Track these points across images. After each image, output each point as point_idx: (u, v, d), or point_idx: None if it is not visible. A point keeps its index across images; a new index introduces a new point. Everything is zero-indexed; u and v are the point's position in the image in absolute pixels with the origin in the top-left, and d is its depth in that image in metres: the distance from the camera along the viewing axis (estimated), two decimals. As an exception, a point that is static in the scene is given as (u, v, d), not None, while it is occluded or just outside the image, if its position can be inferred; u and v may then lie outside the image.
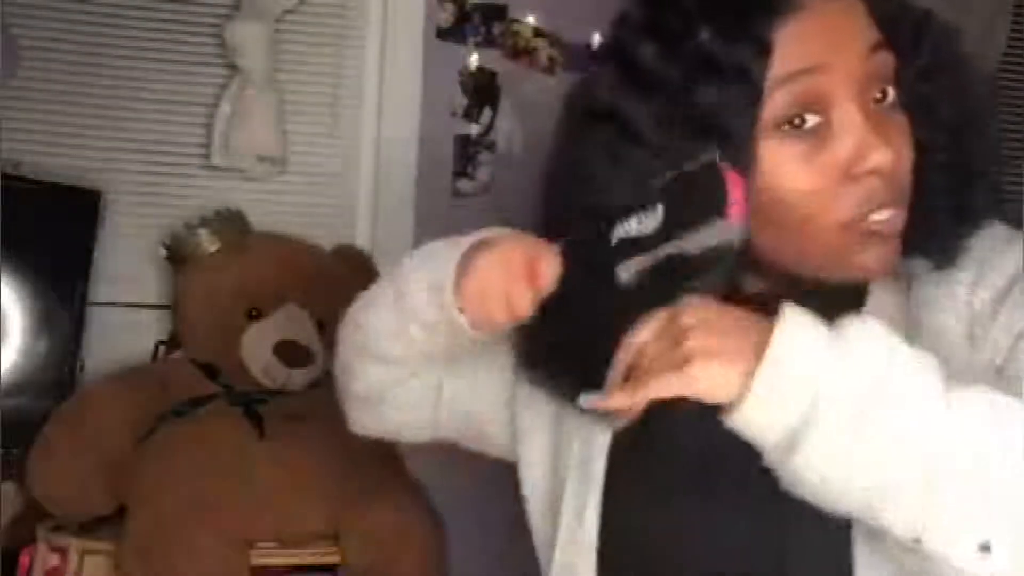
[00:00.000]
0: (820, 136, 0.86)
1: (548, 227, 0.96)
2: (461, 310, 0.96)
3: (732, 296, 0.90)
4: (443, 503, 2.18)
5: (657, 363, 0.80)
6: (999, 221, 0.92)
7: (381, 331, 1.06)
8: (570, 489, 1.02)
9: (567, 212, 0.93)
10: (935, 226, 0.90)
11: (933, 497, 0.74)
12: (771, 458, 0.79)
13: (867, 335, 0.78)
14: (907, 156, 0.89)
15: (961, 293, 0.89)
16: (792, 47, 0.85)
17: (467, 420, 1.14)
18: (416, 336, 1.03)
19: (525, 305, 0.92)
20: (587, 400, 0.84)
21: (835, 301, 0.87)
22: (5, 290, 2.21)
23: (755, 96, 0.85)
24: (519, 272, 0.92)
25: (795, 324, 0.78)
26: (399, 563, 2.01)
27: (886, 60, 0.88)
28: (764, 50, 0.84)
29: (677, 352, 0.79)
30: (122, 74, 2.47)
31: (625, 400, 0.81)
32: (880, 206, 0.86)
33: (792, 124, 0.86)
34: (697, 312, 0.81)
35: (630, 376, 0.82)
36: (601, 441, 1.00)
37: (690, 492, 0.96)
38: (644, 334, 0.82)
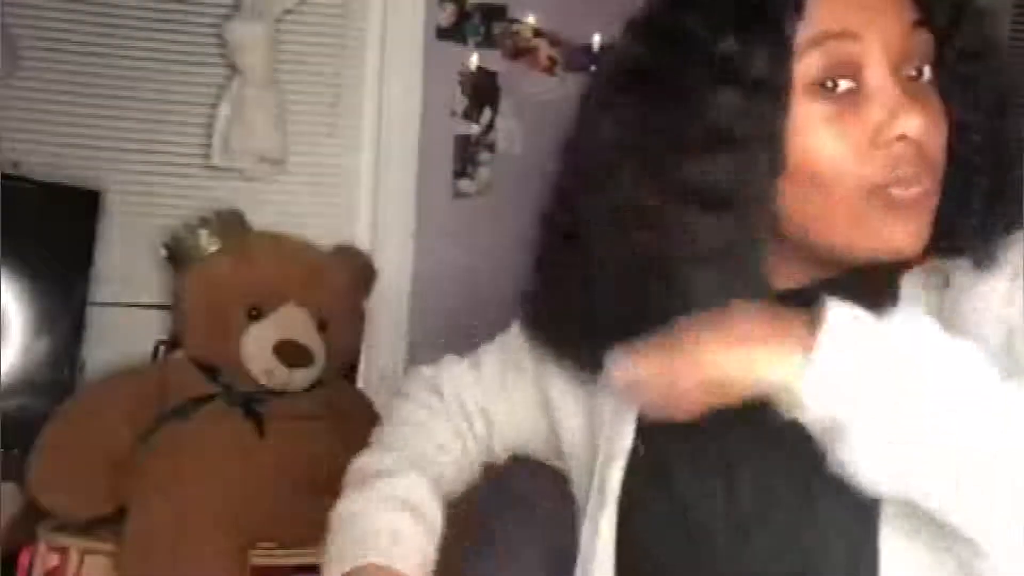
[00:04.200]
0: (852, 100, 0.86)
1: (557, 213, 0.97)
2: None
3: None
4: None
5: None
6: None
7: None
8: (592, 495, 1.01)
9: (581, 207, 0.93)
10: (972, 214, 0.88)
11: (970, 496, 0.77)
12: (822, 443, 0.80)
13: (915, 335, 0.79)
14: (940, 133, 0.88)
15: (995, 303, 0.87)
16: (824, 9, 0.86)
17: (519, 446, 1.17)
18: None
19: None
20: (617, 368, 0.85)
21: (866, 304, 0.86)
22: (5, 290, 2.21)
23: (786, 50, 0.85)
24: None
25: (839, 324, 0.79)
26: (399, 563, 2.01)
27: (924, 39, 0.88)
28: (795, 5, 0.85)
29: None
30: (122, 74, 2.47)
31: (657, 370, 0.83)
32: (908, 176, 0.85)
33: (824, 86, 0.86)
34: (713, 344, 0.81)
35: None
36: (621, 445, 0.99)
37: (709, 502, 0.94)
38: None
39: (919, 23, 0.88)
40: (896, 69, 0.86)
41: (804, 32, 0.85)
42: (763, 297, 0.89)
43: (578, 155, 0.95)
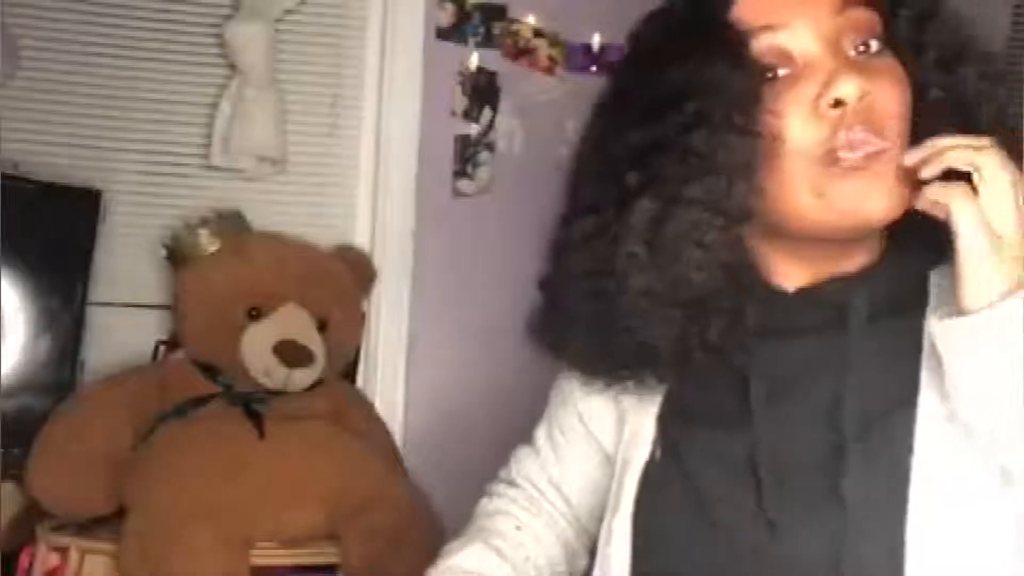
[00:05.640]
0: (791, 81, 0.90)
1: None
2: None
3: (777, 296, 0.94)
4: (443, 503, 2.18)
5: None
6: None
7: None
8: (610, 500, 1.02)
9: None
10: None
11: None
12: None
13: None
14: (892, 96, 0.90)
15: None
16: (748, 8, 0.91)
17: (598, 504, 1.15)
18: None
19: None
20: None
21: (892, 299, 0.89)
22: (5, 290, 2.21)
23: (729, 44, 0.90)
24: None
25: None
26: (398, 563, 2.01)
27: (860, 16, 0.91)
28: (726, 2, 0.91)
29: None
30: (122, 74, 2.47)
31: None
32: (854, 139, 0.87)
33: (767, 77, 0.90)
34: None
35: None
36: (639, 451, 1.00)
37: (737, 501, 0.93)
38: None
39: (851, 2, 0.91)
40: (833, 47, 0.90)
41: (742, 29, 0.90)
42: (760, 297, 0.92)
43: (571, 179, 1.00)
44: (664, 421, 1.00)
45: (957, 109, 0.93)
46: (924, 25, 0.95)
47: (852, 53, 0.90)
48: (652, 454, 0.99)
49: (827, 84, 0.88)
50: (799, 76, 0.89)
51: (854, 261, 0.94)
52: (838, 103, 0.87)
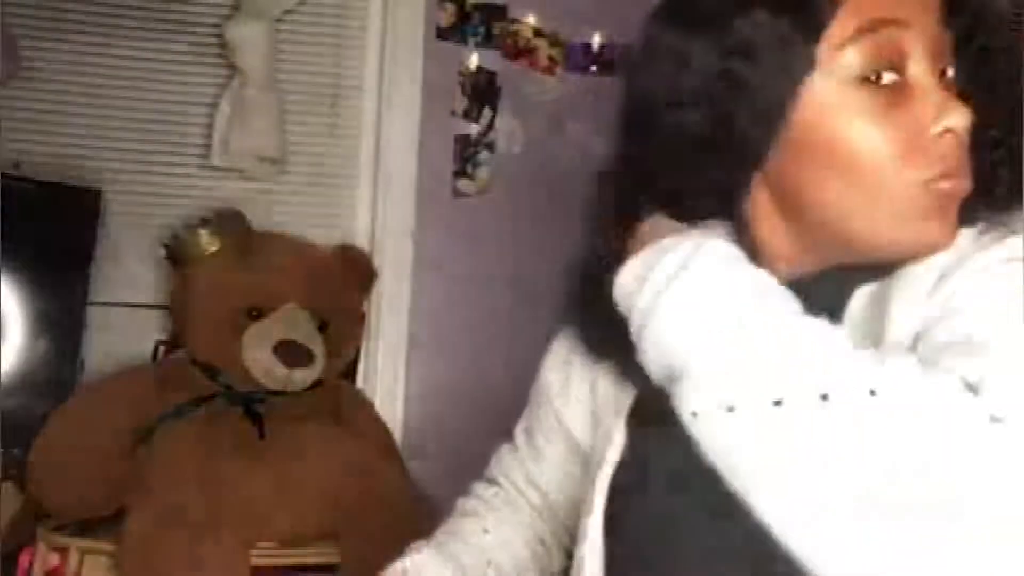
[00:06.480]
0: (896, 93, 0.85)
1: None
2: None
3: None
4: (442, 503, 2.18)
5: None
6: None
7: None
8: (585, 500, 1.02)
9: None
10: (994, 204, 0.88)
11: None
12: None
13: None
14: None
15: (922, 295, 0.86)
16: (867, 1, 0.85)
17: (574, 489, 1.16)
18: None
19: None
20: None
21: (819, 297, 0.86)
22: (5, 290, 2.21)
23: (813, 29, 0.85)
24: None
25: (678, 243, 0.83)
26: (399, 563, 2.01)
27: (948, 38, 0.88)
28: None
29: None
30: (122, 74, 2.47)
31: None
32: (953, 168, 0.85)
33: (868, 80, 0.85)
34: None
35: None
36: (611, 450, 1.00)
37: (685, 502, 0.92)
38: None
39: (944, 22, 0.88)
40: (933, 64, 0.86)
41: (851, 20, 0.84)
42: None
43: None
44: (633, 424, 0.99)
45: (1015, 161, 0.90)
46: (995, 61, 0.91)
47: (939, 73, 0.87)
48: (622, 457, 0.99)
49: (940, 108, 0.84)
50: (907, 91, 0.85)
51: (857, 255, 0.90)
52: (946, 131, 0.84)
